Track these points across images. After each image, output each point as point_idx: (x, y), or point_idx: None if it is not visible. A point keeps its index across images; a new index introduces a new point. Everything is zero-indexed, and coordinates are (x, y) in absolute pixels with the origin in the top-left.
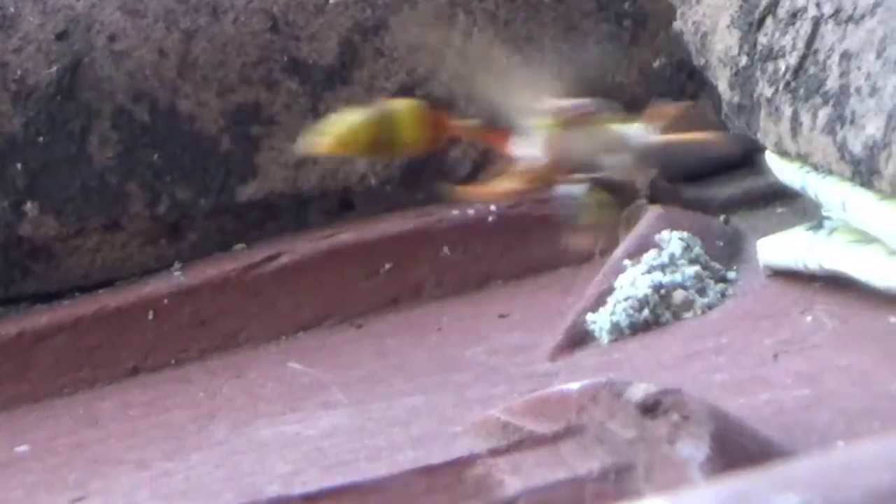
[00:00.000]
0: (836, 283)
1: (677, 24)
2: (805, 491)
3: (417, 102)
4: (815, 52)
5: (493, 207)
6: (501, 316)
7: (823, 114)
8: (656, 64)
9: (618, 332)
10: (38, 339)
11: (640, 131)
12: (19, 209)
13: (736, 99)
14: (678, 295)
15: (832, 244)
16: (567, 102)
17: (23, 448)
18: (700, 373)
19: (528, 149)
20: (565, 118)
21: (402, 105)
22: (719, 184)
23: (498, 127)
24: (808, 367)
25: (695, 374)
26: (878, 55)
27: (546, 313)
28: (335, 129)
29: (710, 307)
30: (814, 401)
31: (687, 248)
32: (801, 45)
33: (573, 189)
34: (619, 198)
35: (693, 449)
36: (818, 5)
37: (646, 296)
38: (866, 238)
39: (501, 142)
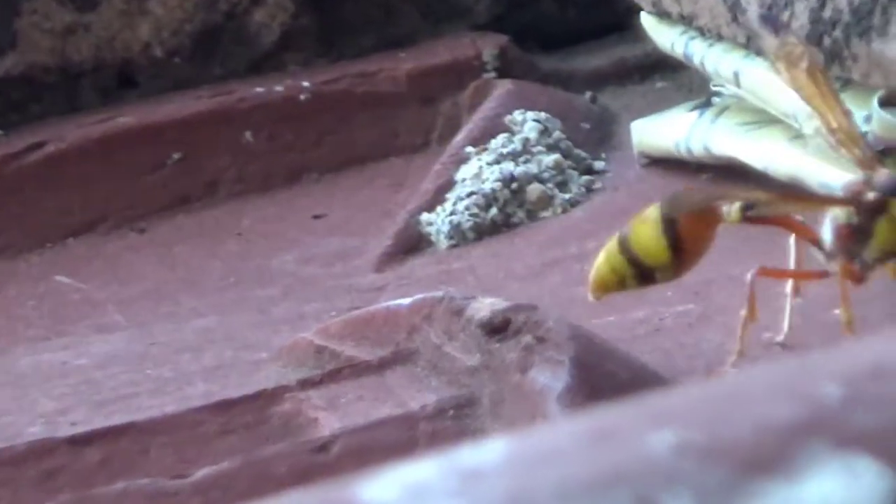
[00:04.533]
0: (728, 174)
1: None
2: (685, 427)
3: (655, 210)
4: None
5: (306, 83)
6: (316, 217)
7: None
8: None
9: (459, 236)
10: None
11: None
12: None
13: None
14: (534, 189)
15: (722, 126)
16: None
17: None
18: (560, 285)
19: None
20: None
21: (639, 221)
22: (585, 53)
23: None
24: (693, 277)
25: (553, 287)
26: None
27: (371, 213)
28: (592, 278)
29: (572, 204)
30: (700, 318)
31: (544, 131)
32: None
33: None
34: None
35: (550, 377)
36: None
37: (493, 191)
38: (763, 119)
39: (799, 229)
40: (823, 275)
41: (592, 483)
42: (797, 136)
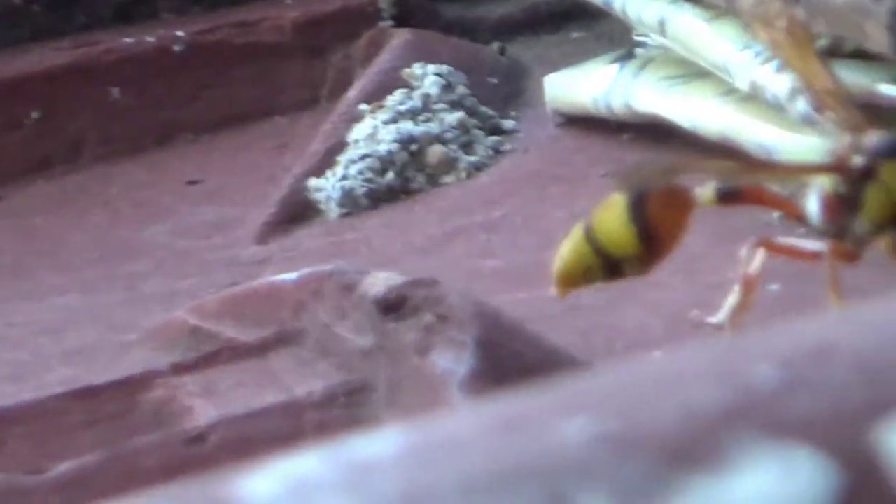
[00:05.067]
0: (651, 134)
1: None
2: (602, 415)
3: (619, 197)
4: None
5: (180, 33)
6: (192, 182)
7: None
8: None
9: (352, 204)
10: None
11: None
12: None
13: None
14: (435, 151)
15: (645, 81)
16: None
17: None
18: (463, 258)
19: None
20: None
21: (604, 207)
22: None
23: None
24: None
25: (457, 260)
26: None
27: (253, 178)
28: (556, 269)
29: (478, 168)
30: (622, 295)
31: (447, 86)
32: None
33: None
34: None
35: (452, 360)
36: None
37: (390, 153)
38: (692, 72)
39: (782, 205)
40: (818, 256)
41: (499, 477)
42: (729, 90)
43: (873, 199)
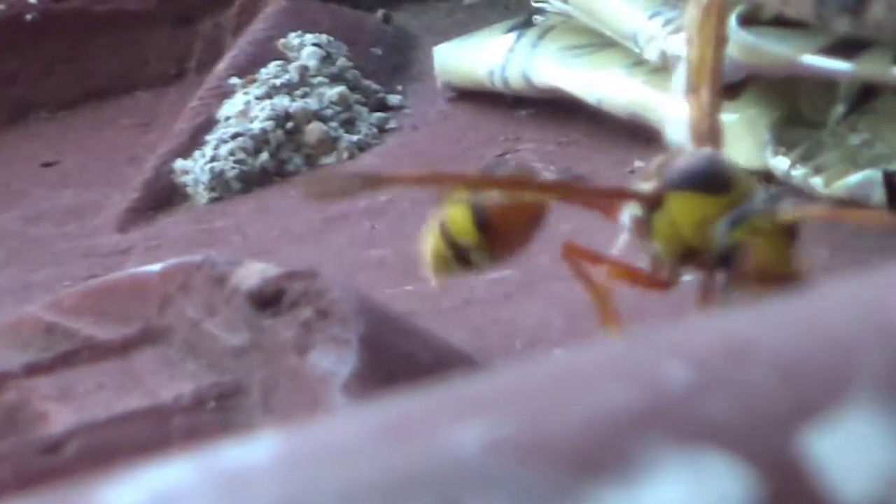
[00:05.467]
0: (553, 110)
1: None
2: (499, 419)
3: (468, 201)
4: None
5: (32, 0)
6: (46, 164)
7: None
8: None
9: (222, 187)
10: None
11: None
12: None
13: None
14: (313, 130)
15: (545, 51)
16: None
17: None
18: (346, 247)
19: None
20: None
21: (450, 208)
22: None
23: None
24: None
25: (338, 250)
26: None
27: (113, 160)
28: (427, 262)
29: (361, 147)
30: (518, 288)
31: (326, 58)
32: None
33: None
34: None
35: (334, 360)
36: None
37: (264, 131)
38: (596, 42)
39: (610, 210)
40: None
41: (385, 487)
42: (637, 62)
43: (660, 228)
